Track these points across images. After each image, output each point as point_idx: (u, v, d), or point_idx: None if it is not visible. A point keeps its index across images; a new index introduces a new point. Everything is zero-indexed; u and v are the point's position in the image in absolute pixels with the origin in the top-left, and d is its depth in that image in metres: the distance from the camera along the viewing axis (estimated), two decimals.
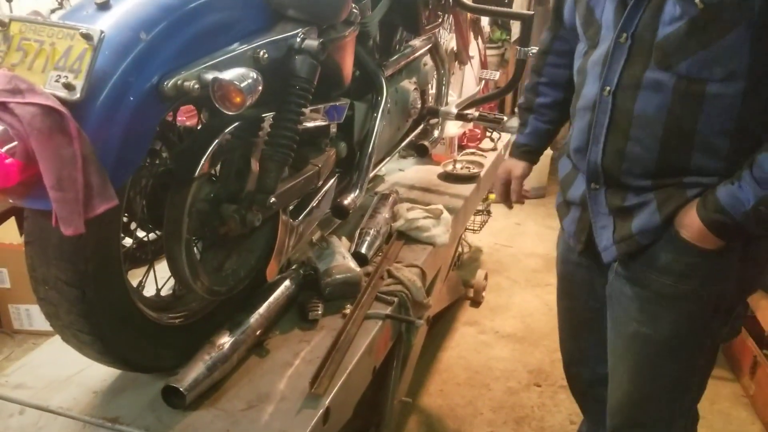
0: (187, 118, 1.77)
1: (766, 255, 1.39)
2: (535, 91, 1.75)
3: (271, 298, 1.46)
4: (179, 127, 1.39)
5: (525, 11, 2.29)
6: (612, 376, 1.54)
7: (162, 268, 1.32)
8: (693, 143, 1.28)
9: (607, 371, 1.56)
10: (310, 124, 1.53)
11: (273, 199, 1.36)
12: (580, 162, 1.45)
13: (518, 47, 2.29)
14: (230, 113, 1.11)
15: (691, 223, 1.30)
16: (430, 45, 2.21)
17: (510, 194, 1.80)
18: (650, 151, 1.31)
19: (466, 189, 2.39)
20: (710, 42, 1.21)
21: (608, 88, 1.33)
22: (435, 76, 2.31)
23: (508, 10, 3.33)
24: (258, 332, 1.39)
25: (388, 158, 2.06)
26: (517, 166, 1.78)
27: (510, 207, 1.86)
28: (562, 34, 1.64)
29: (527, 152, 1.79)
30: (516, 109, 1.86)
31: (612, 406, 1.56)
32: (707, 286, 1.36)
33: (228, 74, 1.09)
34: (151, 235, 1.33)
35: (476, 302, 3.09)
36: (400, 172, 2.51)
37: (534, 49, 2.26)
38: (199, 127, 1.40)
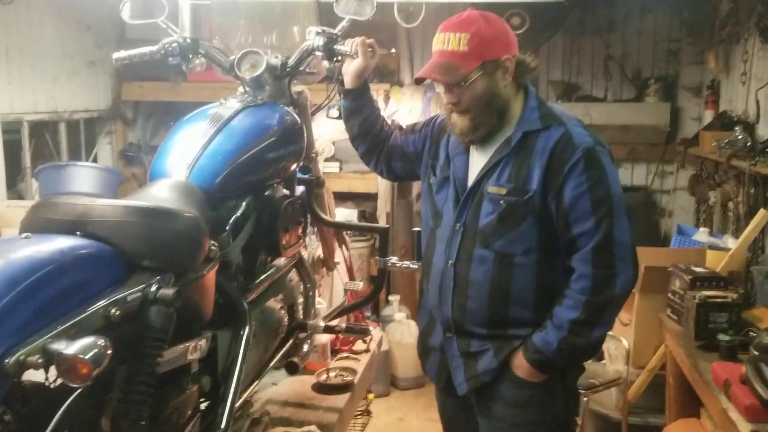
0: None
1: (576, 383, 1.95)
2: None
3: None
4: (25, 386, 1.32)
5: (381, 225, 2.45)
6: None
7: None
8: (510, 299, 1.79)
9: None
10: (168, 366, 1.50)
11: None
12: (437, 315, 1.92)
13: (378, 257, 2.41)
14: (77, 385, 1.09)
15: (520, 364, 1.78)
16: (294, 261, 2.28)
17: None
18: (483, 305, 1.80)
19: (341, 400, 2.37)
20: (512, 228, 1.76)
21: (450, 261, 1.84)
22: (302, 290, 2.36)
23: (366, 224, 3.55)
24: None
25: (257, 381, 2.04)
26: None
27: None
28: (397, 141, 2.08)
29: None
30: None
31: None
32: (544, 411, 1.82)
33: (73, 347, 1.07)
34: None
35: None
36: (273, 386, 2.47)
37: (393, 259, 2.40)
38: (46, 383, 1.34)
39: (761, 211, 3.06)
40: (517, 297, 1.79)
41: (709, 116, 4.48)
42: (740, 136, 3.60)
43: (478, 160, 1.85)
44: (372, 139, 2.11)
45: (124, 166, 4.56)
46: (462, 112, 1.78)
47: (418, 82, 1.84)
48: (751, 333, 2.27)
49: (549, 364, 1.76)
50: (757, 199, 3.46)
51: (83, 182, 3.49)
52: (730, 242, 3.35)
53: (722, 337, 2.28)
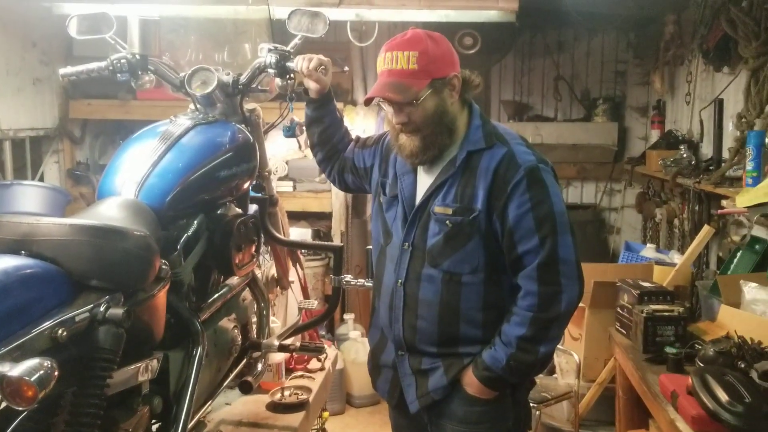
0: None
1: (527, 398, 1.94)
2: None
3: None
4: None
5: (335, 243, 2.45)
6: None
7: None
8: (459, 317, 1.79)
9: None
10: (118, 387, 1.47)
11: None
12: (388, 333, 1.92)
13: (332, 276, 2.40)
14: (22, 408, 1.06)
15: (470, 381, 1.78)
16: (248, 280, 2.25)
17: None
18: (432, 324, 1.80)
19: (296, 419, 2.34)
20: (459, 248, 1.77)
21: (400, 281, 1.85)
22: (255, 309, 2.33)
23: (320, 243, 3.54)
24: None
25: (210, 402, 2.00)
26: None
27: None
28: (351, 153, 2.09)
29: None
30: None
31: None
32: (495, 427, 1.83)
33: (17, 369, 1.05)
34: None
35: None
36: (227, 406, 2.42)
37: (348, 277, 2.39)
38: None
39: (705, 228, 3.16)
40: (466, 315, 1.80)
41: (655, 135, 4.63)
42: (685, 155, 3.72)
43: (425, 179, 1.86)
44: (330, 149, 2.12)
45: (71, 185, 4.46)
46: (412, 131, 1.78)
47: (368, 103, 1.83)
48: (697, 345, 2.33)
49: (498, 380, 1.77)
50: (701, 215, 3.57)
51: (29, 202, 3.40)
52: (676, 258, 3.45)
53: (669, 349, 2.33)
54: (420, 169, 1.87)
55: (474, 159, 1.77)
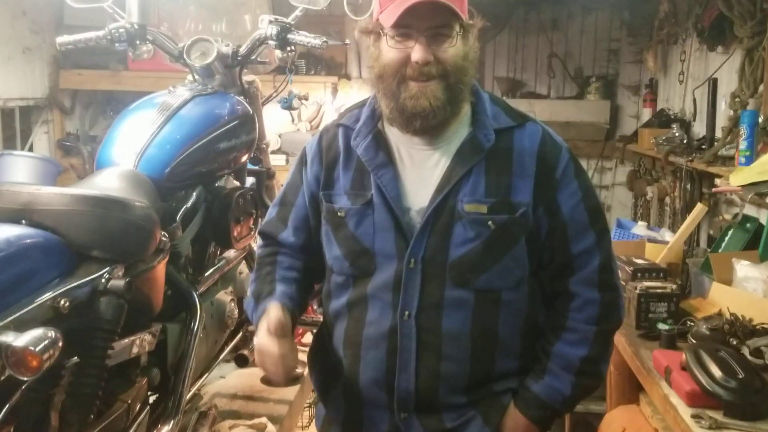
0: None
1: None
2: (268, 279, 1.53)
3: None
4: None
5: None
6: None
7: None
8: (496, 347, 1.39)
9: None
10: (117, 359, 1.47)
11: None
12: (377, 395, 1.40)
13: None
14: (26, 378, 1.05)
15: (516, 424, 1.39)
16: (245, 253, 2.25)
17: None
18: (462, 364, 1.36)
19: (291, 392, 2.36)
20: (502, 256, 1.36)
21: (408, 312, 1.34)
22: None
23: None
24: None
25: (207, 374, 2.01)
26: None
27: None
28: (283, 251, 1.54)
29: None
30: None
31: None
32: None
33: (22, 339, 1.04)
34: None
35: None
36: (221, 380, 2.43)
37: None
38: None
39: (699, 205, 3.18)
40: (504, 344, 1.40)
41: (647, 114, 4.63)
42: (677, 134, 3.73)
43: (415, 172, 1.39)
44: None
45: (61, 156, 4.40)
46: (437, 75, 1.31)
47: (401, 19, 1.27)
48: (689, 322, 2.36)
49: (554, 416, 1.44)
50: (693, 194, 3.59)
51: (20, 172, 3.36)
52: (667, 236, 3.47)
53: (662, 326, 2.35)
54: (402, 159, 1.40)
55: (503, 140, 1.39)
